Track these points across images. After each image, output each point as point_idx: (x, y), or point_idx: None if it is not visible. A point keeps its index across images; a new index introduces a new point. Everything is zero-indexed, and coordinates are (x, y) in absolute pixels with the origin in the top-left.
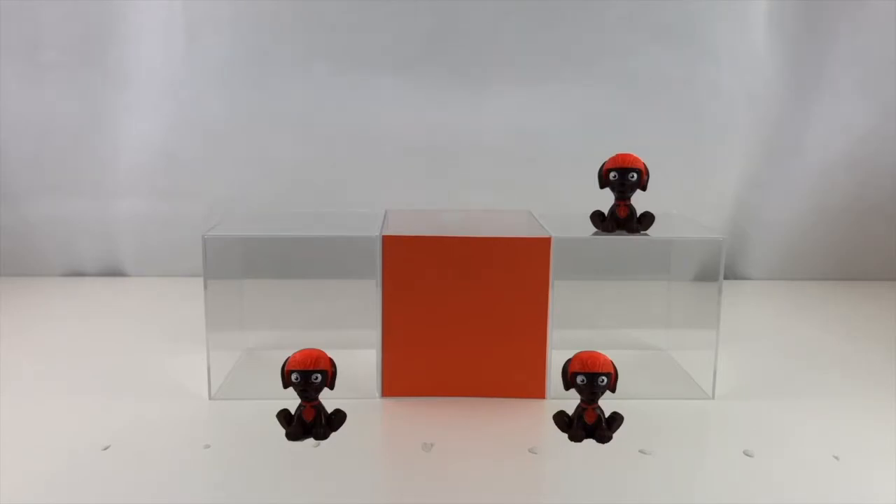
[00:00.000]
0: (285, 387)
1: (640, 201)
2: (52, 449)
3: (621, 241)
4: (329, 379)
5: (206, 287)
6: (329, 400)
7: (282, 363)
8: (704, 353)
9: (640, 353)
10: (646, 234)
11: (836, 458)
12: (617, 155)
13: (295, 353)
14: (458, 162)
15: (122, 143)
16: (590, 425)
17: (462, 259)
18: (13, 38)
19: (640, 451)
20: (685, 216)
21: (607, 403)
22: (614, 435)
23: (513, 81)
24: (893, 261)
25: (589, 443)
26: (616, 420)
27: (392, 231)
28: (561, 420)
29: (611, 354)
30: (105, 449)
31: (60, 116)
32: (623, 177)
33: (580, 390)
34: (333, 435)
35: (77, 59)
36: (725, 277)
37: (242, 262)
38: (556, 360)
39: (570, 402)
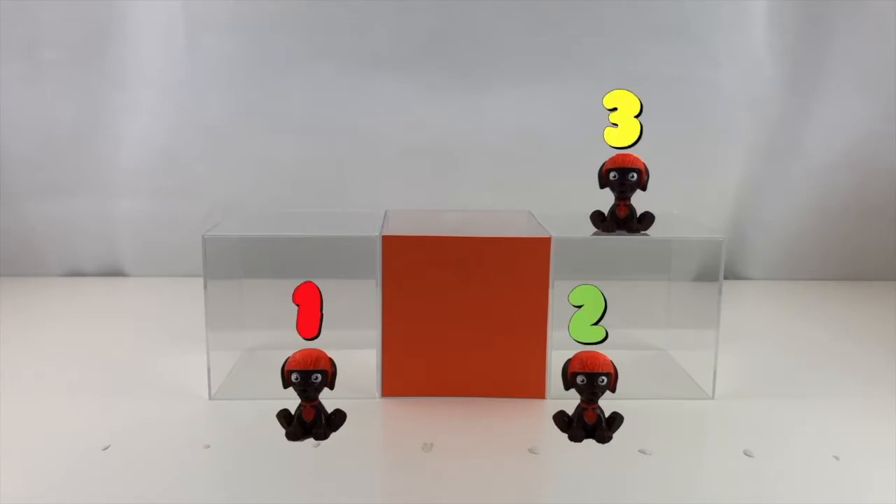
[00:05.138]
0: (285, 387)
1: (640, 201)
2: (52, 449)
3: (621, 241)
4: (329, 379)
5: (206, 287)
6: (329, 400)
7: (282, 363)
8: (704, 353)
9: (640, 353)
10: (646, 234)
11: (836, 458)
12: (617, 155)
13: (295, 353)
14: (458, 162)
15: (122, 143)
16: (590, 425)
17: (462, 259)
18: (13, 38)
19: (640, 451)
20: (685, 216)
21: (607, 403)
22: (614, 435)
23: (513, 81)
24: (893, 261)
25: (589, 443)
26: (616, 420)
27: (392, 231)
28: (561, 420)
29: (611, 354)
30: (105, 449)
31: (60, 116)
32: (623, 177)
33: (580, 390)
34: (333, 435)
35: (77, 59)
36: (725, 277)
37: (242, 262)
38: (556, 360)
39: (570, 402)
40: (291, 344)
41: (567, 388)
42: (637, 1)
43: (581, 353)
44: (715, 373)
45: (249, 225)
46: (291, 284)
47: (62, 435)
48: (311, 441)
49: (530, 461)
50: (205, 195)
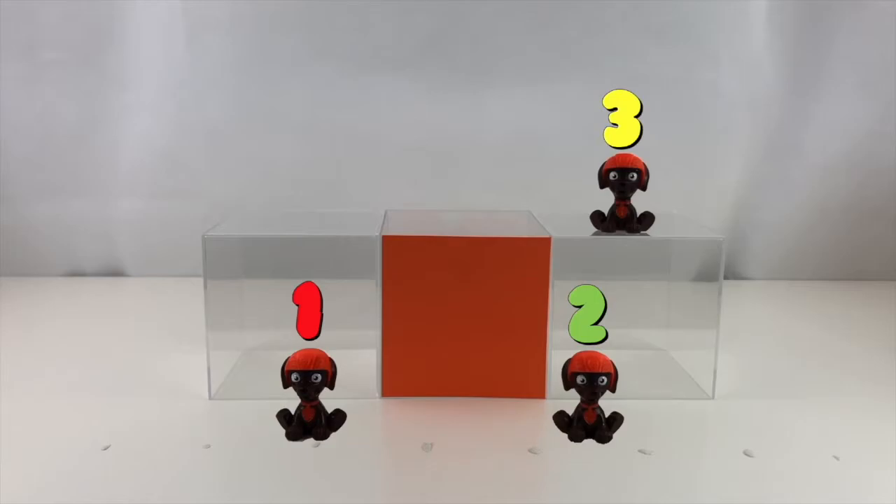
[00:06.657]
0: (285, 387)
1: (640, 201)
2: (52, 449)
3: (621, 241)
4: (329, 379)
5: (206, 287)
6: (329, 400)
7: (282, 363)
8: (704, 353)
9: (640, 353)
10: (646, 234)
11: (836, 458)
12: (617, 155)
13: (295, 353)
14: (458, 162)
15: (122, 143)
16: (590, 425)
17: (462, 259)
18: (13, 38)
19: (640, 451)
20: (685, 216)
21: (607, 403)
22: (614, 435)
23: (513, 81)
24: (893, 261)
25: (589, 443)
26: (616, 420)
27: (392, 231)
28: (561, 420)
29: (611, 354)
30: (105, 449)
31: (60, 116)
32: (623, 177)
33: (580, 390)
34: (333, 435)
35: (77, 59)
36: (725, 277)
37: (242, 262)
38: (556, 360)
39: (570, 402)
40: (291, 344)
41: (567, 388)
42: (637, 1)
43: (581, 353)
44: (715, 373)
45: (249, 225)
46: (291, 284)
47: (62, 435)
48: (311, 441)
49: (530, 461)
50: (205, 195)
